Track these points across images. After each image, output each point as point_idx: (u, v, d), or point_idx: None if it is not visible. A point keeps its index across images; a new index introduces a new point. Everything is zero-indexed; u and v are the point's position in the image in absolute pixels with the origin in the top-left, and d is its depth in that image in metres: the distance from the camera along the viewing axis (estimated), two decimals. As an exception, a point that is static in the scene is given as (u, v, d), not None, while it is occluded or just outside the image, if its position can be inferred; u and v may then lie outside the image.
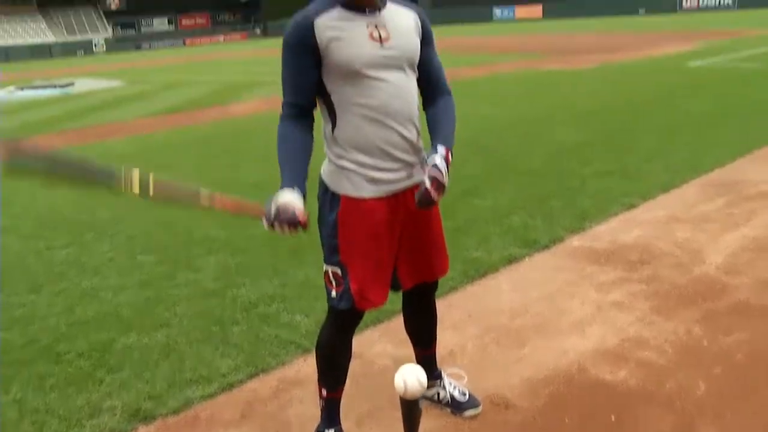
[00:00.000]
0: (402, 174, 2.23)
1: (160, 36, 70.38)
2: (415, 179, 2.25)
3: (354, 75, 2.12)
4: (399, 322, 2.76)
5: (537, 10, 60.48)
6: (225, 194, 2.15)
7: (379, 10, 2.17)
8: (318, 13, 2.12)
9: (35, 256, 5.01)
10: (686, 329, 3.27)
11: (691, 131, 7.88)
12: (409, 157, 2.24)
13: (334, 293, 2.29)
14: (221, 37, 70.27)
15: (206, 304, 3.89)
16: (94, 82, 22.85)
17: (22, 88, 20.92)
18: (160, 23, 72.56)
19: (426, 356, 2.71)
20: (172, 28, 72.92)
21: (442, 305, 2.90)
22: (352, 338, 2.46)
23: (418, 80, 2.28)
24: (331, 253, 2.27)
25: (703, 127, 8.13)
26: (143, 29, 71.50)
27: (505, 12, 62.68)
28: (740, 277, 3.84)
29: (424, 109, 2.36)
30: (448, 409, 2.73)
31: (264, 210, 2.06)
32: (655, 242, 4.45)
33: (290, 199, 2.06)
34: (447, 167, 2.15)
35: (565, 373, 2.95)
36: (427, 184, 2.12)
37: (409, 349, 2.74)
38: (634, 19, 46.89)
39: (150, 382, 3.04)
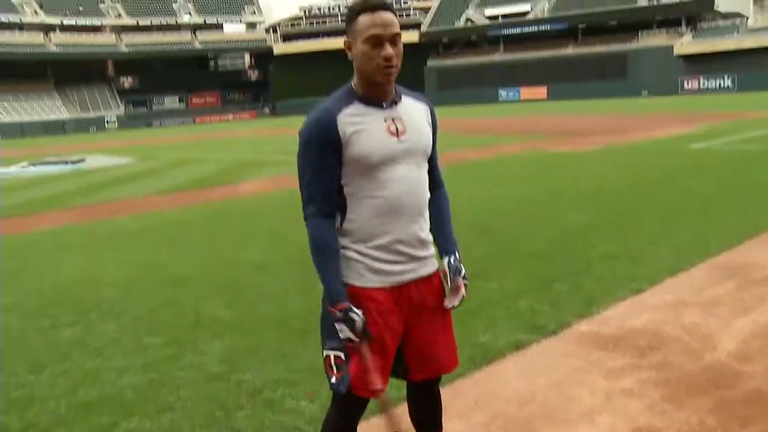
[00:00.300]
0: (409, 266, 2.24)
1: (171, 114, 71.83)
2: (421, 272, 2.27)
3: (370, 169, 2.15)
4: (405, 409, 2.72)
5: (542, 91, 61.74)
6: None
7: (396, 103, 2.23)
8: (338, 108, 2.16)
9: (39, 334, 4.98)
10: (699, 419, 3.20)
11: (696, 213, 7.91)
12: (417, 252, 2.26)
13: (333, 379, 2.27)
14: (230, 116, 71.65)
15: (211, 388, 3.84)
16: (106, 159, 23.22)
17: (34, 164, 21.24)
18: (171, 101, 74.12)
19: (432, 446, 2.66)
20: (182, 106, 74.45)
21: (448, 392, 2.87)
22: (356, 425, 2.41)
23: None
24: (332, 338, 2.25)
25: (707, 209, 8.16)
26: (154, 107, 73.01)
27: (511, 93, 64.00)
28: (753, 364, 3.78)
29: None
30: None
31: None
32: (664, 327, 4.41)
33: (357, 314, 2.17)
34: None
35: (576, 465, 2.88)
36: (463, 291, 2.32)
37: (415, 438, 2.69)
38: (637, 101, 47.76)
39: (151, 470, 2.98)
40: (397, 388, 2.44)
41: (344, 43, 2.22)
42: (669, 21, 60.67)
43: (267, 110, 75.00)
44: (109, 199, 12.71)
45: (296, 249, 6.90)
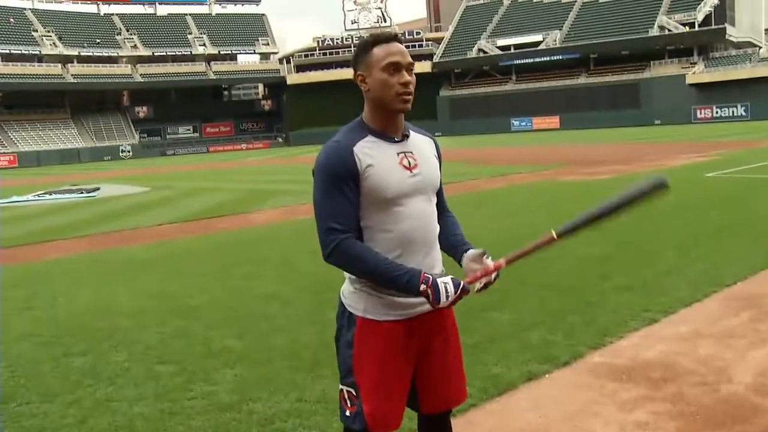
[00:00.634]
0: (421, 299, 2.24)
1: (185, 143, 72.46)
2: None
3: (384, 203, 2.17)
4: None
5: (554, 120, 61.91)
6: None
7: (406, 137, 2.26)
8: (354, 140, 2.18)
9: (51, 363, 4.99)
10: (715, 454, 3.16)
11: (710, 243, 7.86)
12: None
13: (348, 413, 2.27)
14: (244, 145, 72.18)
15: (222, 417, 3.83)
16: (120, 188, 23.39)
17: (50, 193, 21.41)
18: (185, 131, 74.84)
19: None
20: (196, 135, 75.11)
21: (461, 423, 2.85)
22: None
23: None
24: (347, 374, 2.26)
25: (721, 239, 8.11)
26: (168, 136, 73.70)
27: (523, 122, 64.19)
28: (770, 398, 3.73)
29: None
30: None
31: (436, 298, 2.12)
32: (678, 359, 4.36)
33: (442, 278, 2.13)
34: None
35: (590, 499, 2.84)
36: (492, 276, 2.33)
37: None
38: (649, 130, 47.72)
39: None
40: (409, 417, 2.42)
41: (356, 77, 2.24)
42: (681, 50, 60.92)
43: (280, 140, 75.51)
44: (123, 227, 12.79)
45: (308, 279, 6.91)
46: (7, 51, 66.57)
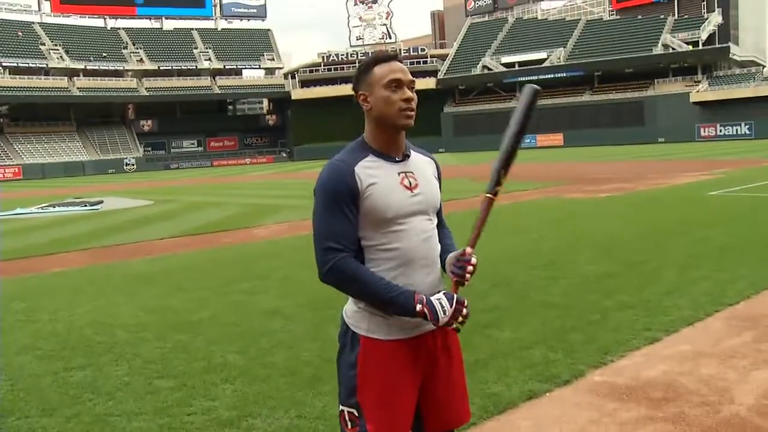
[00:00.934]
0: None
1: (189, 157, 72.73)
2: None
3: (384, 222, 2.17)
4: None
5: (558, 137, 62.03)
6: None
7: (407, 157, 2.27)
8: (355, 160, 2.19)
9: (52, 376, 4.98)
10: (715, 476, 3.14)
11: (712, 262, 7.83)
12: None
13: None
14: (248, 160, 72.39)
15: (220, 434, 3.82)
16: (123, 201, 23.44)
17: (53, 205, 21.47)
18: (189, 144, 75.13)
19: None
20: (200, 149, 75.39)
21: (460, 443, 2.82)
22: None
23: None
24: (349, 394, 2.23)
25: (723, 258, 8.08)
26: (173, 150, 73.99)
27: (527, 140, 64.18)
28: (772, 420, 3.70)
29: None
30: None
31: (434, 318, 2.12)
32: (679, 378, 4.34)
33: (435, 296, 2.13)
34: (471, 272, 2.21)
35: None
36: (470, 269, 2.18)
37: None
38: (654, 147, 47.79)
39: None
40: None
41: (357, 97, 2.25)
42: (685, 69, 61.14)
43: (284, 155, 75.72)
44: (125, 241, 12.80)
45: (309, 295, 6.89)
46: (15, 64, 67.08)
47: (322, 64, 77.73)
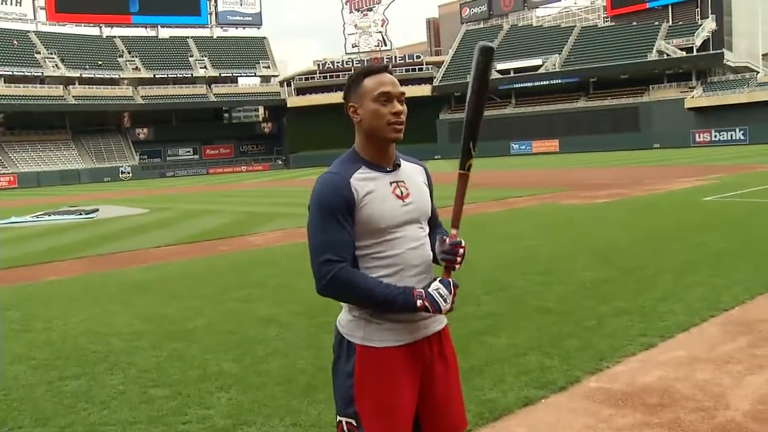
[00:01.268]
0: (420, 324, 2.24)
1: (185, 165, 72.68)
2: (432, 329, 2.27)
3: (377, 232, 2.19)
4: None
5: (554, 144, 62.19)
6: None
7: (398, 166, 2.28)
8: (349, 171, 2.20)
9: (46, 386, 4.96)
10: (711, 482, 3.13)
11: (708, 268, 7.84)
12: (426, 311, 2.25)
13: None
14: (244, 167, 72.37)
15: (215, 443, 3.80)
16: (119, 209, 23.40)
17: (48, 214, 21.42)
18: (185, 152, 75.08)
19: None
20: (196, 157, 75.35)
21: (455, 451, 2.81)
22: None
23: None
24: (346, 404, 2.22)
25: (719, 263, 8.09)
26: (168, 158, 73.94)
27: (523, 146, 64.44)
28: (768, 425, 3.70)
29: None
30: None
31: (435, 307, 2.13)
32: (675, 384, 4.34)
33: (431, 287, 2.15)
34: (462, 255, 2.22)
35: None
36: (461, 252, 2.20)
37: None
38: (649, 153, 47.89)
39: None
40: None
41: (347, 108, 2.26)
42: (679, 75, 61.39)
43: (280, 162, 75.72)
44: (121, 249, 12.77)
45: (305, 303, 6.88)
46: (10, 72, 67.06)
47: (318, 71, 77.82)
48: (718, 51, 60.06)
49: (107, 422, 4.20)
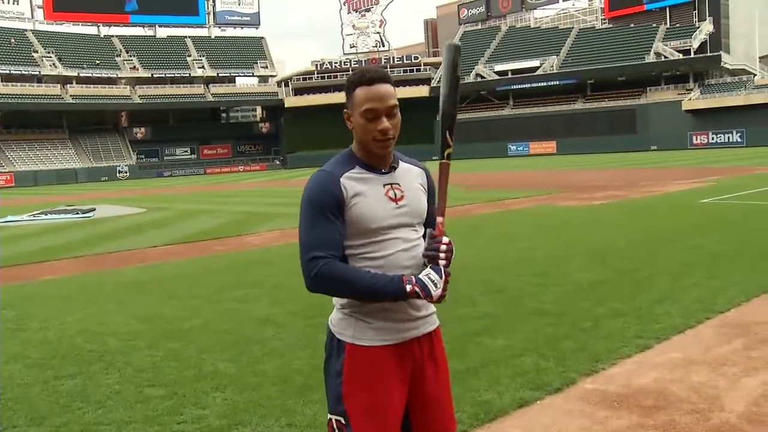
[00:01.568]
0: (410, 324, 2.24)
1: (182, 164, 72.64)
2: (422, 330, 2.27)
3: (368, 232, 2.19)
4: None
5: (551, 145, 62.28)
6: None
7: (394, 168, 2.28)
8: (341, 170, 2.21)
9: (41, 386, 4.95)
10: (706, 483, 3.13)
11: (703, 270, 7.85)
12: (417, 311, 2.26)
13: None
14: (241, 167, 72.35)
15: (210, 443, 3.80)
16: (115, 209, 23.39)
17: (45, 213, 21.39)
18: (182, 152, 75.04)
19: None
20: (194, 157, 75.31)
21: (450, 452, 2.81)
22: None
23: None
24: (336, 402, 2.24)
25: (715, 265, 8.10)
26: (166, 158, 73.89)
27: (520, 147, 64.50)
28: (764, 427, 3.70)
29: None
30: None
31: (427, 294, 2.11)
32: (670, 386, 4.34)
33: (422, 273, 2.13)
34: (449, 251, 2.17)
35: None
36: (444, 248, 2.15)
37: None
38: (646, 155, 47.97)
39: None
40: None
41: (344, 114, 2.26)
42: (677, 77, 61.52)
43: (277, 162, 75.72)
44: (117, 249, 12.76)
45: (301, 303, 6.87)
46: (7, 71, 66.98)
47: (316, 72, 77.83)
48: (716, 53, 60.21)
49: (102, 422, 4.20)
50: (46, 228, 17.51)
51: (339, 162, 2.25)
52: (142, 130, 73.58)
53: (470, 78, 71.40)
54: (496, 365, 4.85)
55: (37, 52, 70.32)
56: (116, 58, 74.62)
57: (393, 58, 77.24)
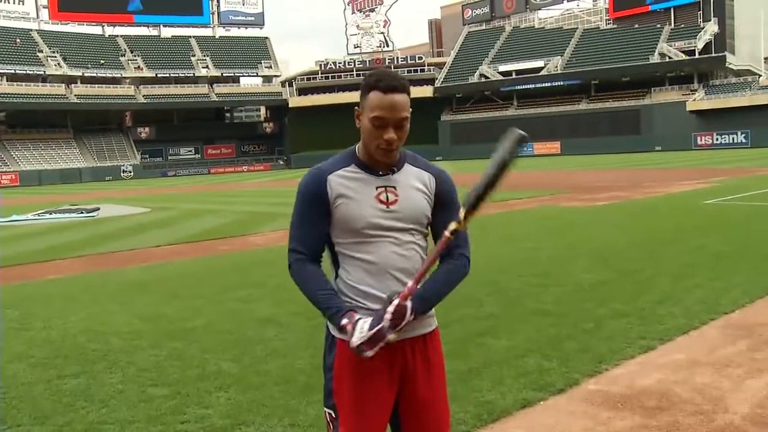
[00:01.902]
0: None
1: (186, 164, 72.72)
2: (415, 332, 2.27)
3: (355, 232, 2.20)
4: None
5: (555, 146, 62.21)
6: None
7: (394, 171, 2.26)
8: (333, 168, 2.23)
9: (44, 385, 4.95)
10: (709, 485, 3.13)
11: (707, 271, 7.84)
12: None
13: None
14: (245, 167, 72.40)
15: (213, 442, 3.80)
16: (119, 208, 23.43)
17: (49, 212, 21.43)
18: (186, 152, 75.13)
19: None
20: (198, 156, 75.39)
21: (453, 453, 2.81)
22: None
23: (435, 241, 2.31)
24: (328, 396, 2.29)
25: (719, 266, 8.08)
26: (170, 157, 73.98)
27: (524, 148, 64.25)
28: None
29: None
30: None
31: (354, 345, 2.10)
32: (674, 387, 4.33)
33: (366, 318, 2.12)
34: (398, 317, 2.09)
35: None
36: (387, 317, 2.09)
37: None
38: (651, 156, 47.89)
39: None
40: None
41: (355, 110, 2.25)
42: (681, 77, 61.39)
43: (281, 162, 75.77)
44: (121, 248, 12.77)
45: (303, 304, 6.81)
46: (12, 71, 67.13)
47: (320, 72, 77.86)
48: (720, 54, 60.07)
49: (106, 421, 4.20)
50: (50, 227, 17.55)
51: (337, 159, 2.27)
52: (147, 129, 73.69)
53: (474, 78, 71.39)
54: (499, 366, 4.84)
55: (42, 51, 70.46)
56: (121, 58, 74.72)
57: (397, 58, 77.24)
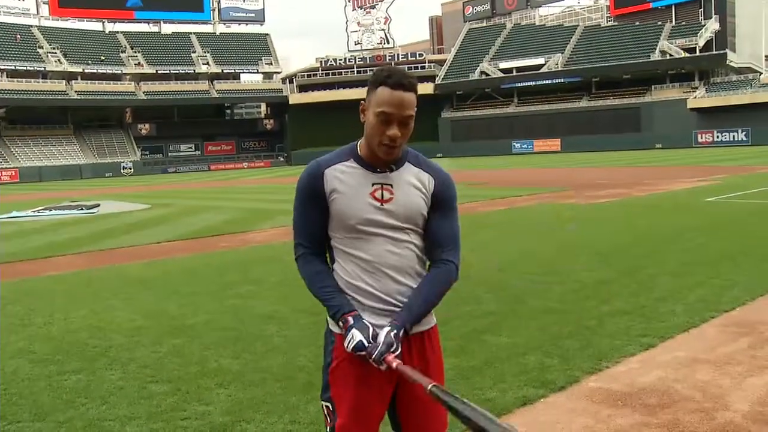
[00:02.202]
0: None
1: (187, 161, 72.71)
2: (413, 330, 2.27)
3: (349, 228, 2.22)
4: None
5: (555, 143, 62.21)
6: None
7: (393, 169, 2.25)
8: (330, 163, 2.25)
9: (45, 381, 4.95)
10: (710, 483, 3.12)
11: (708, 269, 7.83)
12: None
13: (328, 429, 2.32)
14: (245, 164, 72.38)
15: (214, 439, 3.80)
16: (120, 205, 23.41)
17: (50, 209, 21.42)
18: (186, 148, 75.13)
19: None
20: (198, 153, 75.38)
21: (454, 450, 2.80)
22: None
23: (426, 242, 2.32)
24: (325, 389, 2.32)
25: (720, 264, 8.08)
26: (170, 154, 73.97)
27: (524, 145, 64.42)
28: None
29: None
30: None
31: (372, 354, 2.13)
32: (675, 385, 4.33)
33: (357, 324, 2.18)
34: (390, 343, 2.11)
35: None
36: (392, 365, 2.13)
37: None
38: (651, 153, 47.86)
39: None
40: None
41: (360, 104, 2.25)
42: (682, 75, 61.35)
43: (282, 159, 75.77)
44: (121, 245, 12.77)
45: (305, 300, 6.83)
46: (13, 67, 67.09)
47: (320, 68, 77.80)
48: (721, 52, 60.02)
49: (106, 417, 4.20)
50: (50, 224, 17.54)
51: (336, 153, 2.29)
52: (147, 126, 73.67)
53: (475, 75, 71.35)
54: (500, 363, 4.84)
55: (42, 48, 70.41)
56: (121, 54, 74.66)
57: (398, 55, 77.15)
